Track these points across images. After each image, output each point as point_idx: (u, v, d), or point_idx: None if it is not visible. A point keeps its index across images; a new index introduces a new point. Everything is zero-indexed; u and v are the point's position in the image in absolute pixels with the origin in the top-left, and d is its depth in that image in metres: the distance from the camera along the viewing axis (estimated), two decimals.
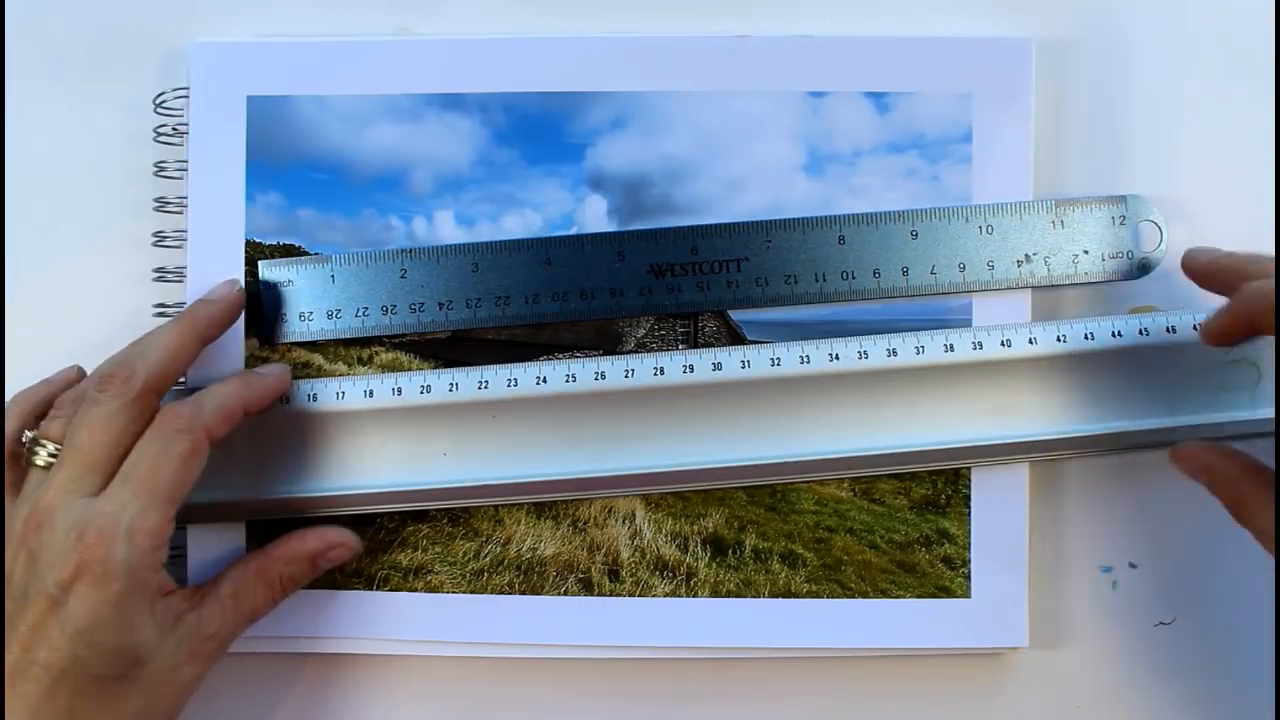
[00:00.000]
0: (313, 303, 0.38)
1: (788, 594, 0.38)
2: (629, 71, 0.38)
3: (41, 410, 0.35)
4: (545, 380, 0.37)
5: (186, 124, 0.39)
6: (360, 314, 0.38)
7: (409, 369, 0.38)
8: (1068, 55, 0.39)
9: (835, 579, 0.38)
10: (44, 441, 0.34)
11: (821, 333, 0.38)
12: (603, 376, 0.37)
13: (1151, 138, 0.39)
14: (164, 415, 0.33)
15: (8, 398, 0.39)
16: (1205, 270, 0.36)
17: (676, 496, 0.38)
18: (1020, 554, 0.38)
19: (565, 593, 0.38)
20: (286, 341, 0.39)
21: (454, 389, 0.37)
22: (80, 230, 0.40)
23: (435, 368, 0.38)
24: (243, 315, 0.38)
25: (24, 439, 0.34)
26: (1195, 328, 0.36)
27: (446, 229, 0.39)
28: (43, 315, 0.40)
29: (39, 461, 0.33)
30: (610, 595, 0.38)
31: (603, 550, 0.38)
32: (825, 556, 0.38)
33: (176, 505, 0.33)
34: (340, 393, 0.37)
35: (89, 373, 0.36)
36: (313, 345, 0.39)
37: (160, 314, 0.39)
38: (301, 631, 0.38)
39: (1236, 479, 0.33)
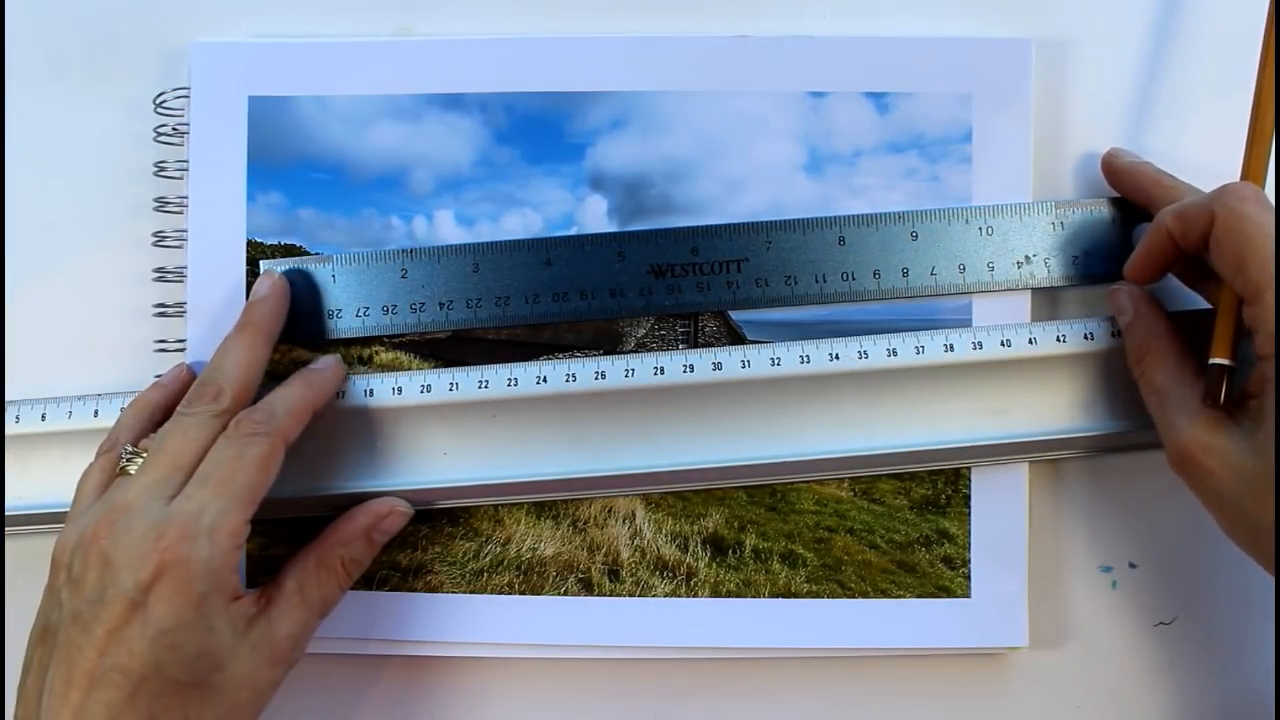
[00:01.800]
0: (313, 303, 0.38)
1: (788, 594, 0.38)
2: (629, 71, 0.38)
3: (155, 418, 0.35)
4: (545, 380, 0.37)
5: (187, 124, 0.39)
6: (360, 314, 0.38)
7: (409, 369, 0.38)
8: (1068, 55, 0.39)
9: (835, 579, 0.38)
10: (143, 453, 0.34)
11: (821, 333, 0.38)
12: (603, 376, 0.37)
13: (1151, 138, 0.39)
14: (238, 421, 0.33)
15: (6, 397, 0.39)
16: (1123, 169, 0.37)
17: (676, 496, 0.38)
18: (1020, 554, 0.38)
19: (565, 593, 0.38)
20: (286, 341, 0.38)
21: (454, 389, 0.37)
22: (80, 230, 0.40)
23: (435, 368, 0.38)
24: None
25: (124, 451, 0.34)
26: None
27: (447, 229, 0.39)
28: (43, 315, 0.40)
29: (131, 470, 0.33)
30: (610, 595, 0.38)
31: (603, 550, 0.38)
32: (825, 556, 0.38)
33: (254, 507, 0.33)
34: (341, 392, 0.37)
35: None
36: (314, 345, 0.39)
37: (160, 314, 0.39)
38: None
39: (1146, 332, 0.35)
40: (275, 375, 0.38)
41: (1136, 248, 0.36)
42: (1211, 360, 0.33)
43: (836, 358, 0.37)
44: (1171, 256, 0.35)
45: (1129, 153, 0.38)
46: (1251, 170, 0.34)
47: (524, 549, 0.38)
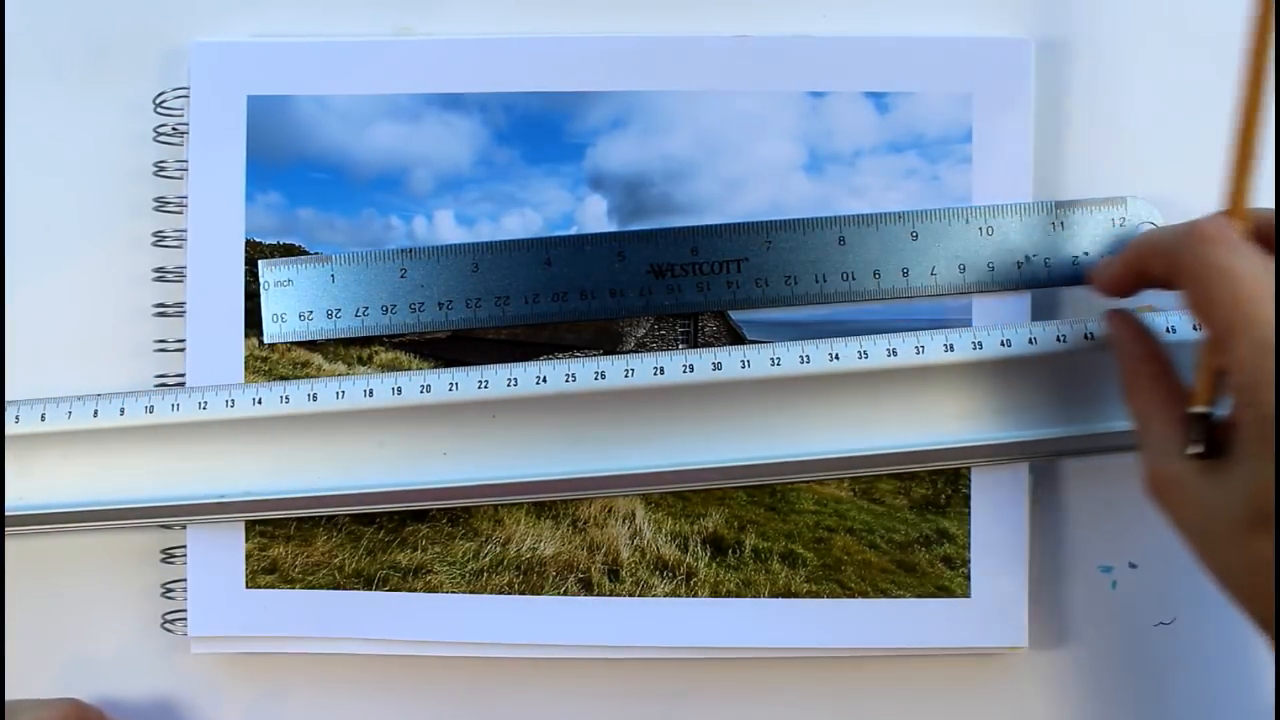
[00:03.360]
0: (313, 303, 0.38)
1: (788, 594, 0.38)
2: (629, 71, 0.38)
3: None
4: (545, 380, 0.37)
5: (186, 124, 0.39)
6: (360, 314, 0.38)
7: (409, 369, 0.38)
8: (1068, 55, 0.39)
9: (835, 579, 0.38)
10: None
11: (821, 333, 0.38)
12: (603, 376, 0.37)
13: (1151, 138, 0.39)
14: None
15: (6, 397, 0.39)
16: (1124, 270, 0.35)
17: (676, 496, 0.38)
18: (1020, 554, 0.38)
19: (565, 593, 0.38)
20: (286, 341, 0.39)
21: (454, 389, 0.37)
22: (80, 230, 0.40)
23: (435, 367, 0.38)
24: (242, 315, 0.38)
25: None
26: (1195, 328, 0.36)
27: (446, 229, 0.39)
28: (43, 315, 0.40)
29: None
30: (610, 595, 0.38)
31: (603, 550, 0.38)
32: (825, 556, 0.38)
33: None
34: (340, 392, 0.37)
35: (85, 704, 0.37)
36: (312, 345, 0.39)
37: (160, 314, 0.39)
38: (301, 631, 0.38)
39: (1135, 359, 0.34)
40: (275, 375, 0.38)
41: (1112, 259, 0.35)
42: (1190, 409, 0.31)
43: (836, 358, 0.37)
44: (1144, 284, 0.34)
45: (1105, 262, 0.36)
46: (1234, 205, 0.31)
47: (524, 549, 0.38)
